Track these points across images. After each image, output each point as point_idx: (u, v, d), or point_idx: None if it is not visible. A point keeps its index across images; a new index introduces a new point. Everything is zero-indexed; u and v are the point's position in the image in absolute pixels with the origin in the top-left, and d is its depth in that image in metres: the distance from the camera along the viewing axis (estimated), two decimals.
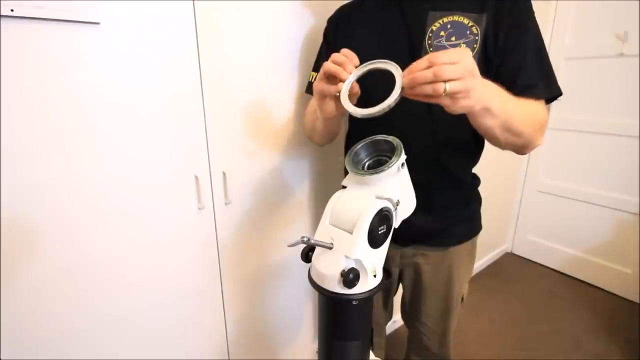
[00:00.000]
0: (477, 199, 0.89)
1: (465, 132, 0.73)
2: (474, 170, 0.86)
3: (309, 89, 0.92)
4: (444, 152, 0.77)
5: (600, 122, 1.98)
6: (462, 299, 0.93)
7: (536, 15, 0.69)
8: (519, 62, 0.67)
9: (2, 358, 0.70)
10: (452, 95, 0.50)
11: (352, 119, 0.90)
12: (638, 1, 1.74)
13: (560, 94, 0.70)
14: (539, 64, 0.69)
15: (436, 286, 0.88)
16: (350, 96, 0.60)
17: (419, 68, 0.50)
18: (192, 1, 0.78)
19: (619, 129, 1.91)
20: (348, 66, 0.58)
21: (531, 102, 0.67)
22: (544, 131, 0.70)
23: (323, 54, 0.89)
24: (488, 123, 0.59)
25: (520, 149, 0.69)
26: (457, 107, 0.52)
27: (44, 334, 0.74)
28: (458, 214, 0.84)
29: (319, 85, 0.62)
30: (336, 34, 0.84)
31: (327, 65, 0.59)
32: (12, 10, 0.58)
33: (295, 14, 0.96)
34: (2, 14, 0.57)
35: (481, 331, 1.76)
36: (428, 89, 0.49)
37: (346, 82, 0.59)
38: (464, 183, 0.84)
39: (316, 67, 0.90)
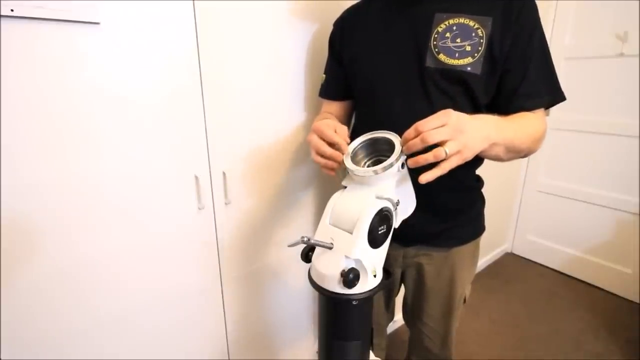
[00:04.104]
0: (481, 201, 0.88)
1: None
2: (477, 171, 0.85)
3: (322, 92, 0.93)
4: None
5: (600, 122, 1.98)
6: (465, 300, 0.93)
7: None
8: (524, 70, 0.68)
9: (2, 358, 0.70)
10: (457, 155, 0.54)
11: (358, 116, 0.90)
12: (638, 1, 1.74)
13: (563, 99, 0.71)
14: (543, 71, 0.70)
15: (438, 287, 0.88)
16: None
17: (409, 137, 0.54)
18: (192, 1, 0.78)
19: (619, 129, 1.91)
20: (342, 148, 0.64)
21: (529, 118, 0.69)
22: (543, 139, 0.73)
23: (329, 60, 0.90)
24: (494, 152, 0.64)
25: (521, 158, 0.73)
26: (469, 156, 0.56)
27: (44, 334, 0.74)
28: (462, 216, 0.84)
29: (315, 160, 0.69)
30: (342, 39, 0.84)
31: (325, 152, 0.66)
32: (12, 10, 0.58)
33: (297, 15, 0.96)
34: (2, 14, 0.57)
35: (481, 331, 1.76)
36: (430, 157, 0.53)
37: (347, 152, 0.63)
38: (468, 185, 0.83)
39: (326, 70, 0.91)
